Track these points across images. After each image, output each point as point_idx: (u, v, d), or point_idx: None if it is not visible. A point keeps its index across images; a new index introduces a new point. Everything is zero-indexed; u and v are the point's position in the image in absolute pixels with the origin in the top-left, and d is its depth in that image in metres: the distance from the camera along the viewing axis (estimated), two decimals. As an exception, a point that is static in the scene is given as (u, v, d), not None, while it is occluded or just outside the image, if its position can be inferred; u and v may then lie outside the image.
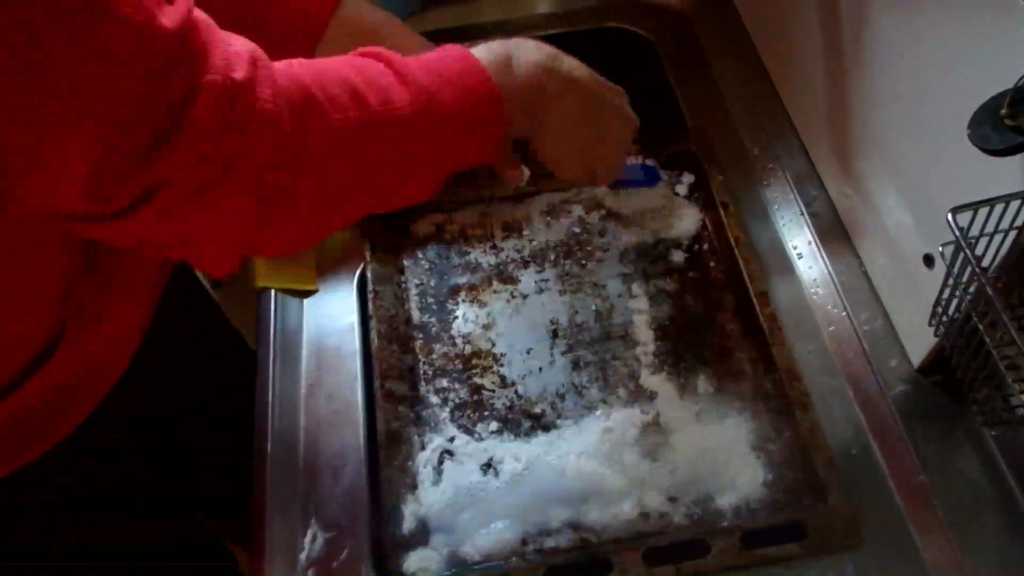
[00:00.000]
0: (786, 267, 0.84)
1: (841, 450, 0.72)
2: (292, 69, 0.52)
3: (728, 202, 0.86)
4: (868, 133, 0.77)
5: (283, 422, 0.79)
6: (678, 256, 0.86)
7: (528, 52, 0.63)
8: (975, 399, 0.65)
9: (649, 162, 0.84)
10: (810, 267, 0.83)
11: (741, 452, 0.74)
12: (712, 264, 0.86)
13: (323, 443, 0.77)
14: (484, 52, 0.62)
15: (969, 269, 0.52)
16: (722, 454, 0.74)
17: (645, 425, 0.76)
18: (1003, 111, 0.51)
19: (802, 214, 0.87)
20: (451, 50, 0.61)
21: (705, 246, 0.87)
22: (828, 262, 0.83)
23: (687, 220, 0.89)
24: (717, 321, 0.82)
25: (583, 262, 0.87)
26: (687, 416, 0.76)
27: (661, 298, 0.84)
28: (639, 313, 0.83)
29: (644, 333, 0.82)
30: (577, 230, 0.89)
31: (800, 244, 0.85)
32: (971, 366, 0.61)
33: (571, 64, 0.66)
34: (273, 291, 0.86)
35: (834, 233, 0.85)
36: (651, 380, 0.79)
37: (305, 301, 0.86)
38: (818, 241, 0.84)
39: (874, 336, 0.78)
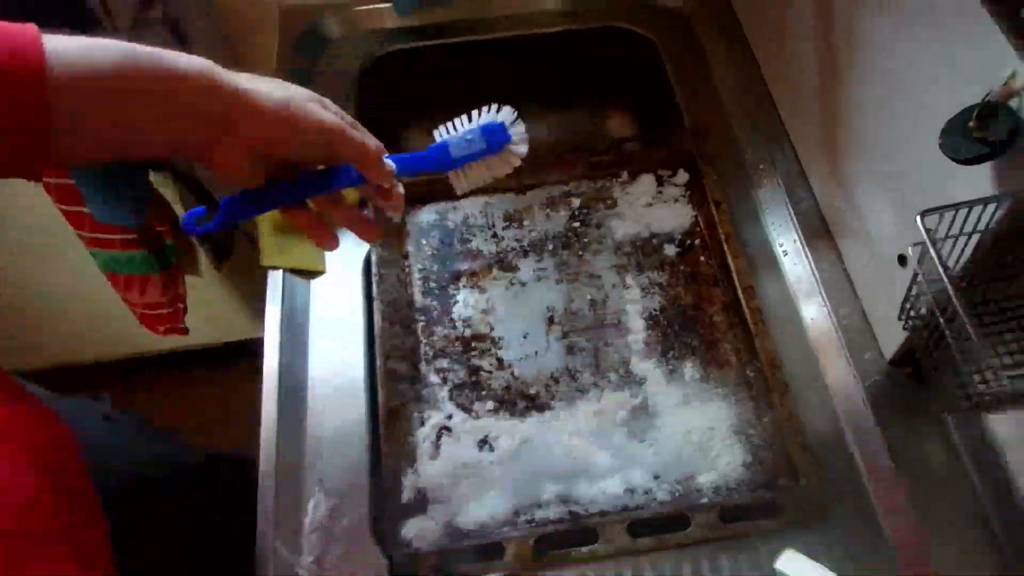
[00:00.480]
0: (772, 264, 0.88)
1: (816, 435, 0.77)
2: None
3: (720, 200, 0.91)
4: (853, 137, 0.81)
5: (291, 397, 0.83)
6: (671, 250, 0.91)
7: None
8: (936, 386, 0.69)
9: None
10: (795, 264, 0.87)
11: (723, 435, 0.79)
12: (703, 259, 0.90)
13: (328, 417, 0.81)
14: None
15: (934, 268, 0.56)
16: (705, 436, 0.78)
17: (634, 408, 0.80)
18: (971, 123, 0.55)
19: (790, 214, 0.91)
20: None
21: (697, 241, 0.91)
22: (811, 260, 0.87)
23: (681, 216, 0.93)
24: (705, 312, 0.86)
25: (580, 253, 0.91)
26: (674, 400, 0.81)
27: (653, 289, 0.88)
28: (632, 303, 0.87)
29: (636, 322, 0.86)
30: (576, 223, 0.93)
31: (786, 242, 0.89)
32: (933, 356, 0.65)
33: None
34: (281, 271, 0.90)
35: (818, 232, 0.89)
36: (641, 366, 0.83)
37: (312, 282, 0.90)
38: (803, 240, 0.88)
39: (851, 330, 0.82)
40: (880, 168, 0.75)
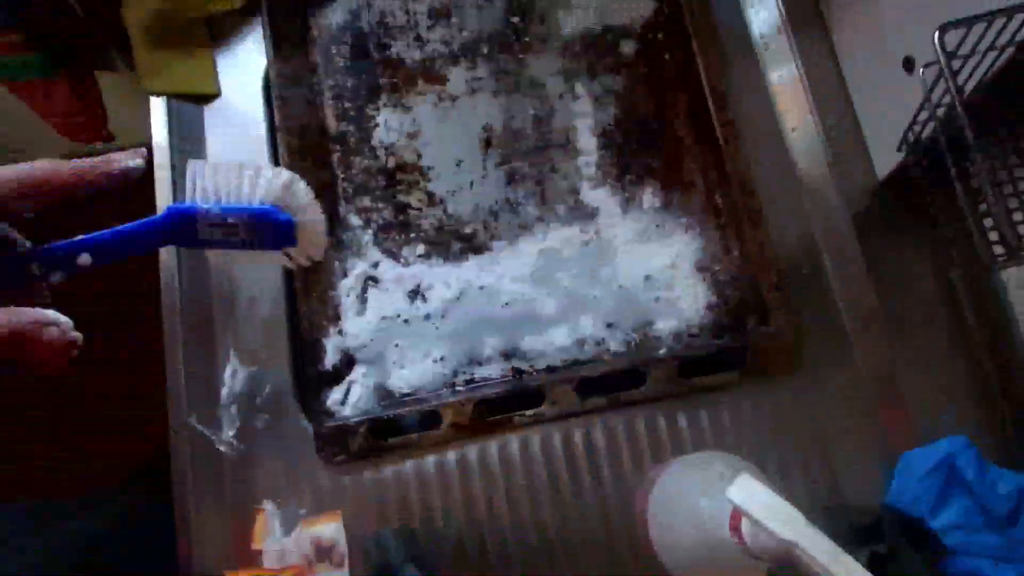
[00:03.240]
0: (750, 59, 0.74)
1: (792, 268, 0.68)
2: None
3: (689, -20, 0.74)
4: None
5: (189, 254, 0.72)
6: (629, 47, 0.75)
7: None
8: (938, 231, 0.60)
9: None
10: (777, 59, 0.73)
11: (685, 272, 0.69)
12: (666, 57, 0.75)
13: (236, 270, 0.71)
14: None
15: (948, 98, 0.44)
16: (665, 275, 0.69)
17: (584, 245, 0.70)
18: None
19: None
20: None
21: (660, 35, 0.76)
22: (798, 54, 0.73)
23: (641, 2, 0.76)
24: (668, 125, 0.73)
25: (520, 56, 0.76)
26: (630, 234, 0.70)
27: (607, 99, 0.74)
28: (582, 117, 0.74)
29: (587, 141, 0.73)
30: (515, 17, 0.77)
31: (768, 31, 0.74)
32: (934, 199, 0.55)
33: None
34: (165, 97, 0.75)
35: (809, 19, 0.74)
36: (593, 195, 0.72)
37: (205, 108, 0.76)
38: (789, 29, 0.73)
39: (840, 143, 0.70)
40: None
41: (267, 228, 0.41)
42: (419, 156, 0.73)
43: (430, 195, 0.72)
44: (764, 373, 0.65)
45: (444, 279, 0.70)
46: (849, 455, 0.64)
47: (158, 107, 0.75)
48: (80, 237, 0.39)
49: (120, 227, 0.40)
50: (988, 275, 0.63)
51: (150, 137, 0.74)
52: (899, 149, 0.58)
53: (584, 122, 0.74)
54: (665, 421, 0.64)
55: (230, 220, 0.40)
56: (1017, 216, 0.58)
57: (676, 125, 0.73)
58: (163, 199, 0.73)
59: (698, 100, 0.72)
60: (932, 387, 0.65)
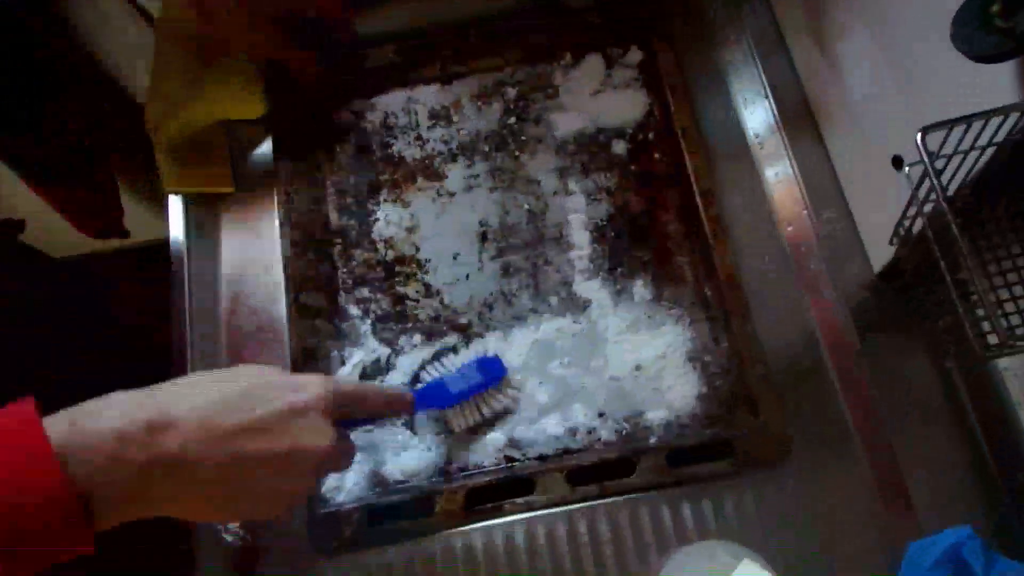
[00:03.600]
0: (745, 155, 0.76)
1: (791, 362, 0.69)
2: None
3: (677, 84, 0.78)
4: (846, 5, 0.67)
5: (204, 341, 0.74)
6: (620, 147, 0.79)
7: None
8: (930, 322, 0.61)
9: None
10: (772, 157, 0.76)
11: (676, 363, 0.71)
12: (657, 156, 0.79)
13: (247, 361, 0.73)
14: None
15: (934, 195, 0.46)
16: (656, 365, 0.71)
17: (576, 335, 0.72)
18: (995, 7, 0.43)
19: (766, 96, 0.78)
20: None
21: (651, 135, 0.79)
22: (792, 152, 0.76)
23: (632, 105, 0.80)
24: (659, 221, 0.76)
25: (516, 154, 0.79)
26: (622, 325, 0.72)
27: (600, 195, 0.77)
28: (575, 212, 0.77)
29: (580, 235, 0.76)
30: (511, 119, 0.81)
31: (762, 131, 0.77)
32: (927, 294, 0.57)
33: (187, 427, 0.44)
34: (183, 196, 0.79)
35: (800, 119, 0.77)
36: (585, 286, 0.74)
37: (220, 204, 0.79)
38: (782, 128, 0.77)
39: (835, 238, 0.72)
40: (879, 44, 0.62)
41: (489, 366, 0.68)
42: (417, 249, 0.76)
43: (427, 286, 0.75)
44: (757, 464, 0.65)
45: (439, 369, 0.71)
46: (851, 547, 0.63)
47: (175, 205, 0.78)
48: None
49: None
50: (984, 365, 0.64)
51: (167, 234, 0.77)
52: (891, 243, 0.60)
53: (577, 217, 0.76)
54: (656, 510, 0.64)
55: (463, 371, 0.68)
56: (1008, 307, 0.60)
57: (666, 220, 0.76)
58: (177, 293, 0.75)
59: (687, 196, 0.75)
60: (933, 478, 0.65)
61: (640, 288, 0.73)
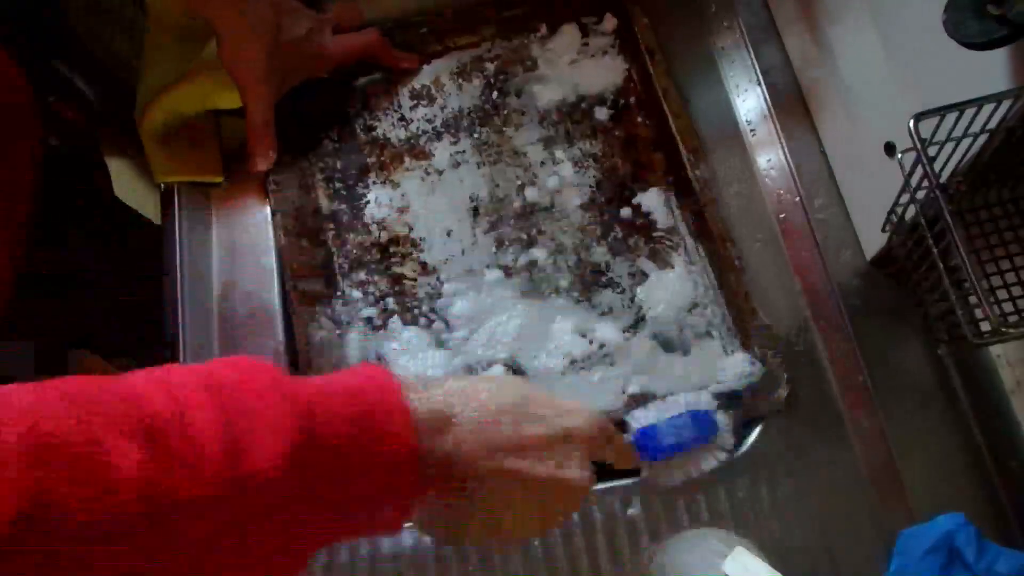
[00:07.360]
0: (737, 143, 0.76)
1: (786, 347, 0.69)
2: None
3: (654, 49, 0.79)
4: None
5: (196, 330, 0.74)
6: (603, 113, 0.80)
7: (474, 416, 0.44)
8: (924, 311, 0.62)
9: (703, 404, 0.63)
10: (764, 144, 0.76)
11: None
12: (639, 120, 0.79)
13: (241, 350, 0.73)
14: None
15: (927, 181, 0.47)
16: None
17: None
18: None
19: (758, 83, 0.78)
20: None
21: (632, 99, 0.80)
22: (784, 139, 0.76)
23: (611, 71, 0.81)
24: (648, 184, 0.77)
25: (501, 128, 0.80)
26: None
27: (586, 162, 0.78)
28: (564, 181, 0.77)
29: (570, 203, 0.76)
30: (493, 93, 0.81)
31: (754, 118, 0.77)
32: (920, 281, 0.57)
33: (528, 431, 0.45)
34: (176, 185, 0.78)
35: (793, 106, 0.77)
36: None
37: (211, 193, 0.78)
38: (774, 115, 0.76)
39: (828, 225, 0.72)
40: (872, 30, 0.63)
41: (703, 421, 0.62)
42: (410, 228, 0.76)
43: (423, 264, 0.75)
44: (758, 452, 0.66)
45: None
46: (844, 534, 0.64)
47: (167, 194, 0.78)
48: None
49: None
50: (977, 352, 0.65)
51: (160, 222, 0.77)
52: (883, 230, 0.61)
53: (567, 186, 0.77)
54: (649, 498, 0.64)
55: (677, 423, 0.61)
56: (1001, 294, 0.60)
57: (655, 181, 0.77)
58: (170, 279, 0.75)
59: (674, 157, 0.76)
60: (926, 465, 0.65)
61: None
